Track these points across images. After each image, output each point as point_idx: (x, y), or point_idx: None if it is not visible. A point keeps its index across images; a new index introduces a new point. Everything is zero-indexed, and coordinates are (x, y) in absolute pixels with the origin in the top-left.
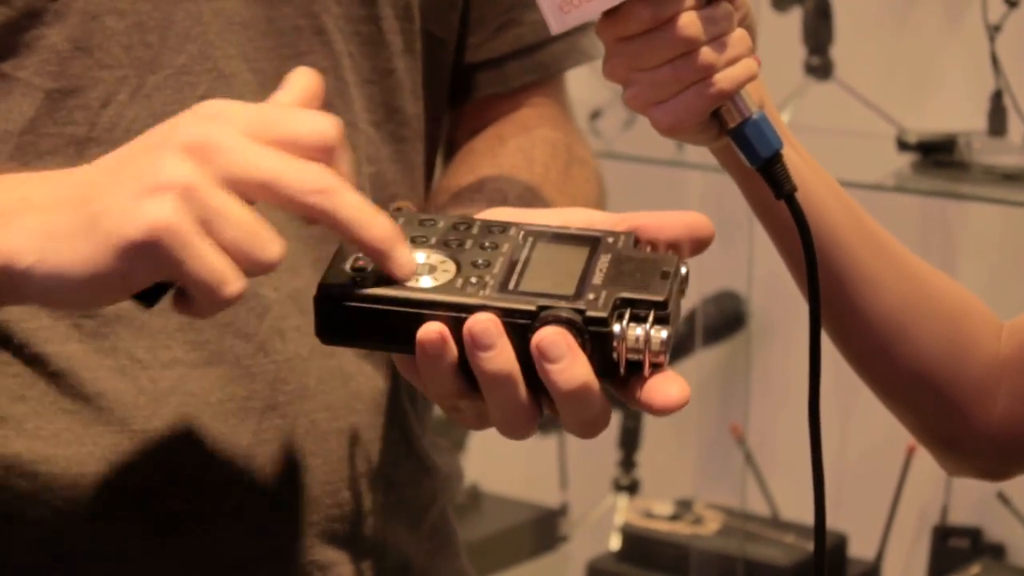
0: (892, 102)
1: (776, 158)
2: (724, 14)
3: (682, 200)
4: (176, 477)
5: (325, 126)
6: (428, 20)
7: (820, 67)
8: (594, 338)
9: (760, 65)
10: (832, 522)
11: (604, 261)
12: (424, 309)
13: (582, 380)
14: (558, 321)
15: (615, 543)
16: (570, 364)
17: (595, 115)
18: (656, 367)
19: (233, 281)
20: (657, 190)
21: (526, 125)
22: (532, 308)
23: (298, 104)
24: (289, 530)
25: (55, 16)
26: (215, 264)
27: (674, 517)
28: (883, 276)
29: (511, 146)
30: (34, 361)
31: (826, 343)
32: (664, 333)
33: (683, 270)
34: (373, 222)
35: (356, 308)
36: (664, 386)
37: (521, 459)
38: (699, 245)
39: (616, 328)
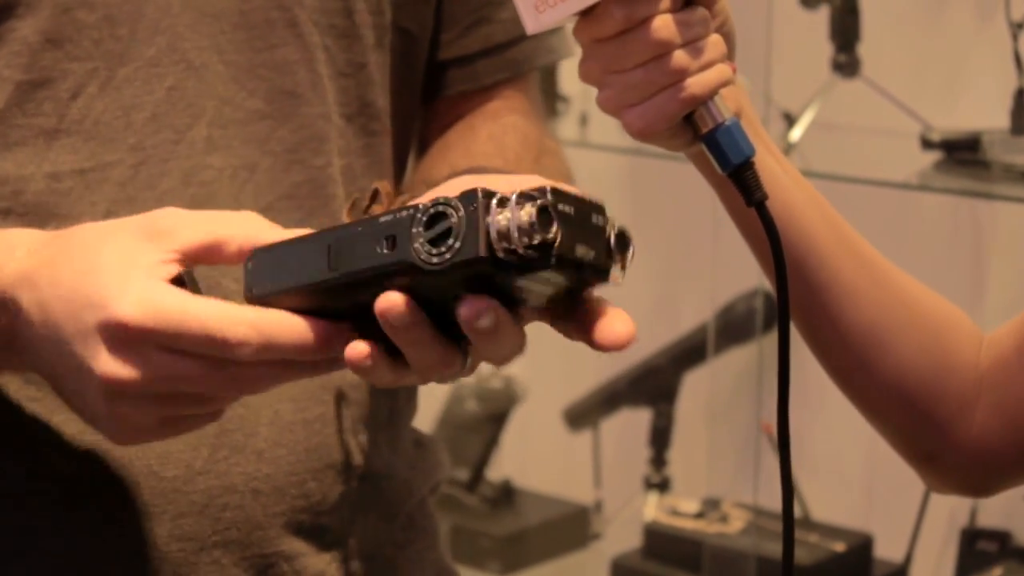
0: (919, 100)
1: (747, 165)
2: (699, 19)
3: (706, 193)
4: (137, 466)
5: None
6: (399, 16)
7: (847, 64)
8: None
9: (735, 72)
10: (860, 523)
11: None
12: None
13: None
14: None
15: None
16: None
17: None
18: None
19: None
20: (682, 186)
21: (496, 114)
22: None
23: None
24: (253, 520)
25: (26, 9)
26: None
27: (699, 515)
28: (862, 287)
29: (482, 135)
30: None
31: None
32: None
33: None
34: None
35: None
36: (611, 325)
37: (555, 456)
38: None
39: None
